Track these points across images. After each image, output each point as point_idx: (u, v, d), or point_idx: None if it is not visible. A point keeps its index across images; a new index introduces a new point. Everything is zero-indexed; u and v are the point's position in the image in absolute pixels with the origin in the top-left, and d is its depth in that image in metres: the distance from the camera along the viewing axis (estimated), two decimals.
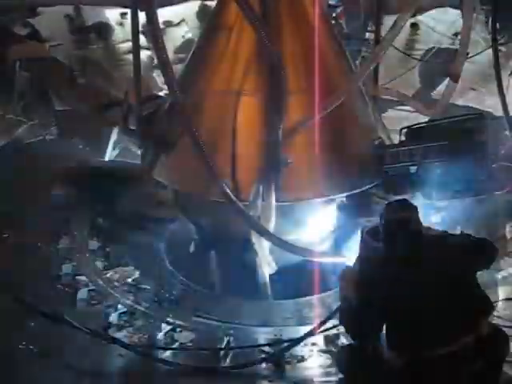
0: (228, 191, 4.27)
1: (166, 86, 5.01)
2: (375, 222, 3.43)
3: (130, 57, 5.29)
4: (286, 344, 4.20)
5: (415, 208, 3.30)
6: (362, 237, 3.43)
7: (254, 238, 4.51)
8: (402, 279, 3.11)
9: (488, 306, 3.22)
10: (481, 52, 7.81)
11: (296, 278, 4.92)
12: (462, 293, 3.10)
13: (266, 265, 4.65)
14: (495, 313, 4.26)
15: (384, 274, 3.17)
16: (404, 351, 3.13)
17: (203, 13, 8.94)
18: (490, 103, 7.13)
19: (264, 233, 4.37)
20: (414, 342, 3.09)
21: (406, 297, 3.08)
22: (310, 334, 4.19)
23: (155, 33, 4.21)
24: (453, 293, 3.07)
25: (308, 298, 4.88)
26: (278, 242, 4.40)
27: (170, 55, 4.27)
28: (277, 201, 4.42)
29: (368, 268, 3.28)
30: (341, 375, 3.72)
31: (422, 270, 3.11)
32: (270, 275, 4.75)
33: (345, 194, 4.75)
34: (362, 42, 8.96)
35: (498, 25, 5.46)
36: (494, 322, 3.98)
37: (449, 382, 3.06)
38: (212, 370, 4.07)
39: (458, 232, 3.57)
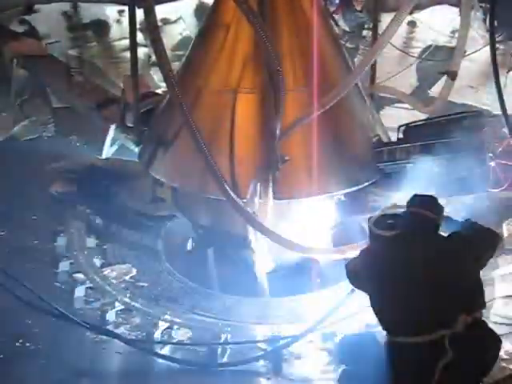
0: (227, 188, 4.27)
1: (163, 84, 5.00)
2: (379, 213, 3.52)
3: (128, 54, 5.28)
4: (283, 341, 4.21)
5: (442, 208, 3.35)
6: (368, 226, 3.52)
7: (252, 235, 4.51)
8: (404, 266, 3.15)
9: (475, 304, 3.21)
10: (479, 49, 7.80)
11: (293, 276, 4.93)
12: (459, 286, 3.11)
13: (264, 262, 4.65)
14: (492, 310, 4.28)
15: (386, 260, 3.22)
16: (389, 332, 3.21)
17: (201, 10, 8.91)
18: (488, 101, 7.14)
19: (263, 229, 4.37)
20: (395, 326, 3.15)
21: (402, 283, 3.13)
22: (309, 331, 4.20)
23: (153, 30, 4.20)
24: (450, 284, 3.09)
25: (305, 295, 4.89)
26: (277, 239, 4.40)
27: (167, 53, 4.26)
28: (275, 198, 4.42)
29: (370, 255, 3.36)
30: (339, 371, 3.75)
31: (430, 261, 3.14)
32: (268, 273, 4.75)
33: (343, 192, 4.75)
34: (360, 40, 8.96)
35: (495, 22, 5.45)
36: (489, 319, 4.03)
37: (417, 369, 3.10)
38: (210, 367, 4.08)
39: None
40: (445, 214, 3.40)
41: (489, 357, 3.18)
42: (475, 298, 3.19)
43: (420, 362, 3.06)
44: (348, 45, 8.78)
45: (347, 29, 9.21)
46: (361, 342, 3.68)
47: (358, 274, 3.39)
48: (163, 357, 4.10)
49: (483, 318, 3.24)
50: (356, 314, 4.37)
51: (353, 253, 4.03)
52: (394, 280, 3.15)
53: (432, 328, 3.04)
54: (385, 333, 3.25)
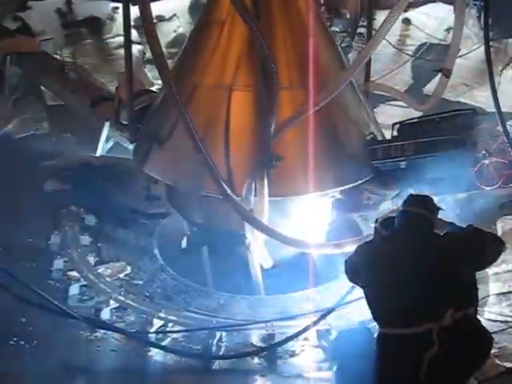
0: (223, 184, 4.26)
1: (157, 81, 4.99)
2: (389, 213, 3.57)
3: (122, 51, 5.27)
4: (278, 339, 4.21)
5: (437, 207, 3.38)
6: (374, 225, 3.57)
7: (248, 232, 4.50)
8: (398, 262, 3.18)
9: (466, 301, 3.22)
10: (474, 49, 7.82)
11: (288, 273, 4.93)
12: (450, 282, 3.14)
13: (261, 259, 4.65)
14: (486, 308, 4.30)
15: (382, 256, 3.27)
16: (380, 324, 3.24)
17: (195, 7, 8.92)
18: (482, 99, 7.16)
19: (259, 226, 4.36)
20: (385, 317, 3.20)
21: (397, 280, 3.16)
22: (306, 329, 4.20)
23: (148, 27, 4.19)
24: (441, 280, 3.11)
25: (300, 292, 4.89)
26: (274, 235, 4.40)
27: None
28: (270, 196, 4.42)
29: (367, 250, 3.41)
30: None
31: (423, 260, 3.16)
32: (265, 270, 4.75)
33: (338, 189, 4.75)
34: (352, 39, 8.99)
35: (490, 20, 5.46)
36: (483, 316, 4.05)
37: (404, 359, 3.13)
38: (205, 359, 4.09)
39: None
40: (442, 215, 3.42)
41: (477, 353, 3.19)
42: (466, 294, 3.21)
43: (407, 353, 3.10)
44: (342, 42, 8.80)
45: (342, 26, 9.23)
46: (356, 337, 3.69)
47: (356, 268, 3.41)
48: (161, 347, 4.10)
49: (477, 315, 3.26)
50: (351, 312, 4.37)
51: (349, 248, 4.04)
52: (388, 274, 3.19)
53: (420, 320, 3.08)
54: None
